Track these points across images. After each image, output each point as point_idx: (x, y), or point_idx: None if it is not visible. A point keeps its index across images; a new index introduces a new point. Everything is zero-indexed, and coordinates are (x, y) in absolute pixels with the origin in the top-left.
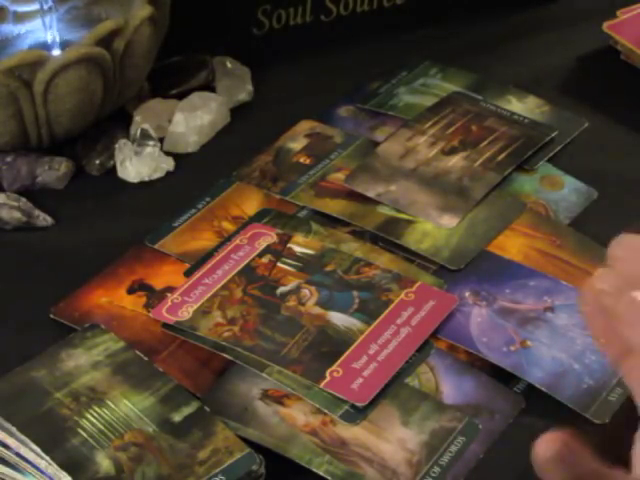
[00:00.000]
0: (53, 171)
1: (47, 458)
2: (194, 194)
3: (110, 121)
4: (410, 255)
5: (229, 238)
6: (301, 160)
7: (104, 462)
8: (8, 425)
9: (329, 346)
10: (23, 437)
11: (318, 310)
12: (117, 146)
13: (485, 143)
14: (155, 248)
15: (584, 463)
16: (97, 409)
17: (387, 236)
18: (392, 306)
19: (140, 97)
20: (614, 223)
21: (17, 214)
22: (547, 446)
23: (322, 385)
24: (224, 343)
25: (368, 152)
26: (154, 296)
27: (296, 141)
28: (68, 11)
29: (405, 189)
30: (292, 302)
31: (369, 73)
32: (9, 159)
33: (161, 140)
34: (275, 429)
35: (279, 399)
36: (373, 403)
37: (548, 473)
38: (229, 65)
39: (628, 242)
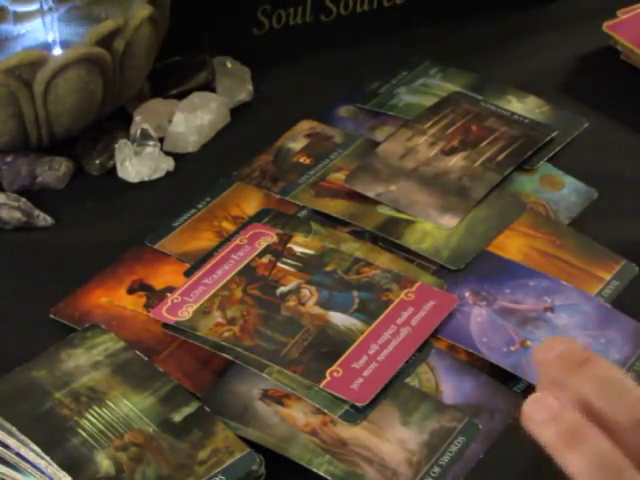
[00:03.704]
0: (53, 171)
1: (47, 458)
2: (194, 194)
3: (110, 121)
4: (410, 255)
5: (229, 238)
6: (301, 160)
7: (104, 462)
8: (8, 425)
9: (329, 346)
10: (23, 437)
11: (318, 310)
12: (117, 146)
13: (485, 143)
14: (155, 248)
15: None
16: (97, 409)
17: (387, 236)
18: (392, 306)
19: (140, 97)
20: (614, 223)
21: (17, 214)
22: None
23: (322, 385)
24: (224, 343)
25: (368, 152)
26: (154, 296)
27: (296, 141)
28: (68, 11)
29: (405, 189)
30: (292, 302)
31: (369, 73)
32: (9, 159)
33: (161, 140)
34: (275, 429)
35: (279, 399)
36: (373, 403)
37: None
38: (229, 65)
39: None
